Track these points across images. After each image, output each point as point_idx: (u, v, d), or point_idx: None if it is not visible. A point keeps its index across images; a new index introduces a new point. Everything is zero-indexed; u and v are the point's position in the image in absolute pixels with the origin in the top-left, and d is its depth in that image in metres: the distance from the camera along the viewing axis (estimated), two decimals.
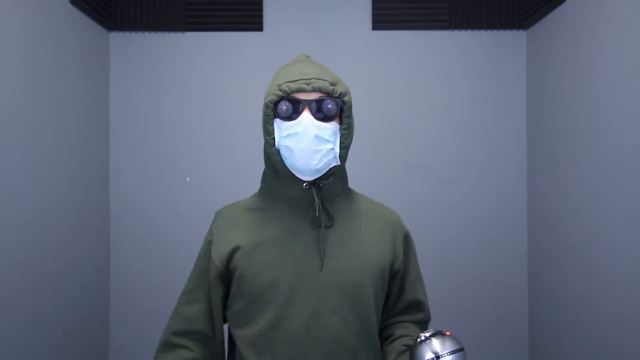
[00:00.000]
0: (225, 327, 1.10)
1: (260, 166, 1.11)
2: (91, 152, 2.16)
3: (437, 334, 0.88)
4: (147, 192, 2.33)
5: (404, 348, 1.02)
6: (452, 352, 0.84)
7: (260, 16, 2.33)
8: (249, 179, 1.43)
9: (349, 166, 1.11)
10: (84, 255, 2.09)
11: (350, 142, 1.02)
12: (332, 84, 0.98)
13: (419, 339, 0.88)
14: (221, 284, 1.04)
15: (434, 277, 2.31)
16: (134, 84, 2.34)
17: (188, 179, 2.34)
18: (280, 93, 0.96)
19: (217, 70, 2.34)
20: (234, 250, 1.01)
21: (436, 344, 0.86)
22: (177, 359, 1.03)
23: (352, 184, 1.15)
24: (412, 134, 2.34)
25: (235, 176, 2.30)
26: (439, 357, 0.84)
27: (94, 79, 2.19)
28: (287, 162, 1.00)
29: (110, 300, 2.32)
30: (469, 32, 2.34)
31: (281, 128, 0.98)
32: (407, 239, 1.13)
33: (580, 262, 1.83)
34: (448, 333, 0.88)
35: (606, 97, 1.67)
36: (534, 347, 2.26)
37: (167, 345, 1.05)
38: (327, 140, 0.97)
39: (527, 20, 2.26)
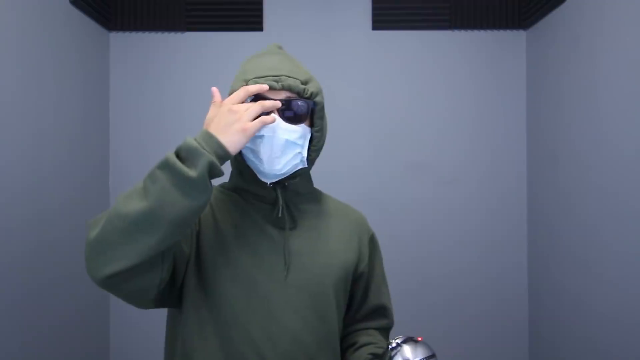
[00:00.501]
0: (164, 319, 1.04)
1: None
2: (91, 152, 2.16)
3: (409, 340, 0.87)
4: None
5: (370, 357, 0.97)
6: (424, 359, 0.84)
7: (261, 16, 2.33)
8: None
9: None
10: (84, 255, 2.09)
11: (322, 145, 0.96)
12: (304, 83, 0.91)
13: (389, 346, 0.86)
14: (184, 252, 0.93)
15: (434, 277, 2.32)
16: (134, 84, 2.34)
17: None
18: None
19: (218, 70, 2.34)
20: (199, 241, 0.94)
21: (407, 350, 0.85)
22: None
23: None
24: (412, 134, 2.33)
25: None
26: None
27: (94, 79, 2.19)
28: (250, 164, 0.94)
29: (110, 300, 2.32)
30: (469, 32, 2.34)
31: None
32: (372, 242, 1.09)
33: (580, 262, 1.83)
34: (420, 339, 0.87)
35: (606, 97, 1.67)
36: (534, 348, 2.26)
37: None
38: (295, 144, 0.90)
39: (527, 20, 2.26)
